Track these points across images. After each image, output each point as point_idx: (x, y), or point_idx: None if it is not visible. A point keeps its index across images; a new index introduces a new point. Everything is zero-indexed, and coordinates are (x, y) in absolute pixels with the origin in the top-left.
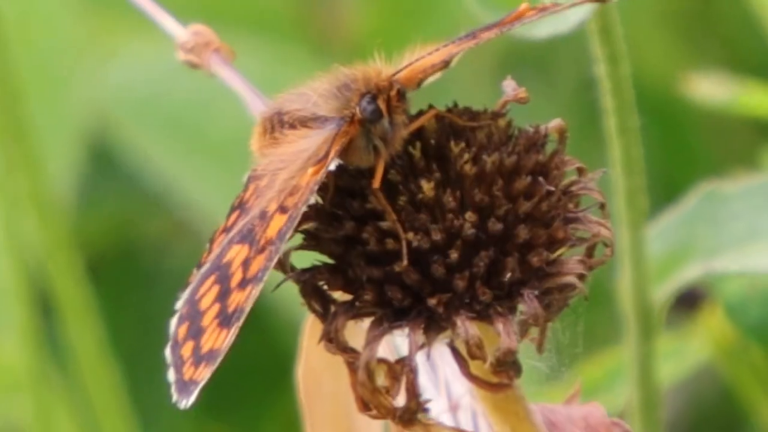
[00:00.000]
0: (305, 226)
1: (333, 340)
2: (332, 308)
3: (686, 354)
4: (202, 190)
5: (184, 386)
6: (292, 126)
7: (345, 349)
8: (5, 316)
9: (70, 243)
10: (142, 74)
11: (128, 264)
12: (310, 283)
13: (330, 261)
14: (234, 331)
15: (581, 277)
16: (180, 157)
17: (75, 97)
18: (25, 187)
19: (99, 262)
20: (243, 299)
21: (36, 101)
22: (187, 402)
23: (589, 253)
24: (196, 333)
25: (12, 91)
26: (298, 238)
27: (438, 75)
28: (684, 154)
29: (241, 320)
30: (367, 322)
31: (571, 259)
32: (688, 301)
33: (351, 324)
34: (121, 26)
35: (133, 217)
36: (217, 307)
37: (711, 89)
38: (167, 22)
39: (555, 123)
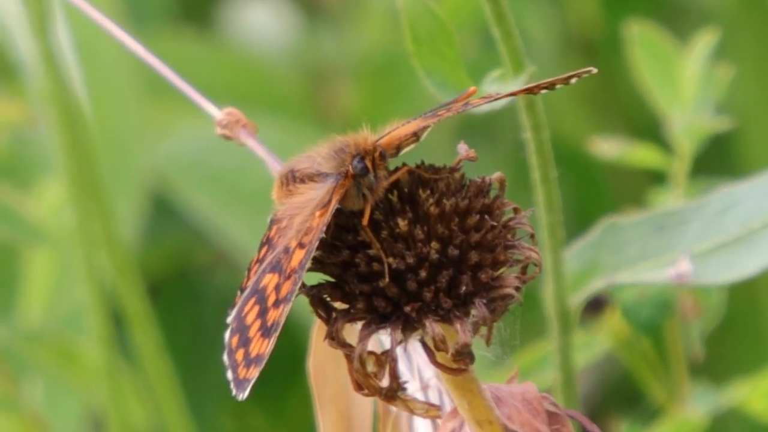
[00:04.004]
0: (314, 254)
1: (334, 338)
2: (333, 315)
3: (595, 345)
4: (236, 228)
5: (240, 383)
6: (302, 181)
7: (343, 345)
8: (87, 325)
9: (136, 270)
10: (191, 144)
11: (182, 285)
12: (317, 296)
13: (331, 279)
14: (273, 340)
15: (517, 289)
16: (220, 204)
17: (140, 161)
18: (101, 228)
19: (159, 284)
20: (278, 315)
21: (110, 165)
22: (243, 395)
23: (523, 271)
24: (245, 342)
25: (91, 157)
26: (309, 263)
27: (412, 146)
28: (592, 196)
29: (279, 331)
30: (359, 324)
31: (510, 275)
32: (595, 306)
33: (348, 326)
34: (174, 108)
35: (186, 250)
36: (259, 322)
37: (610, 147)
38: (207, 105)
39: (496, 175)
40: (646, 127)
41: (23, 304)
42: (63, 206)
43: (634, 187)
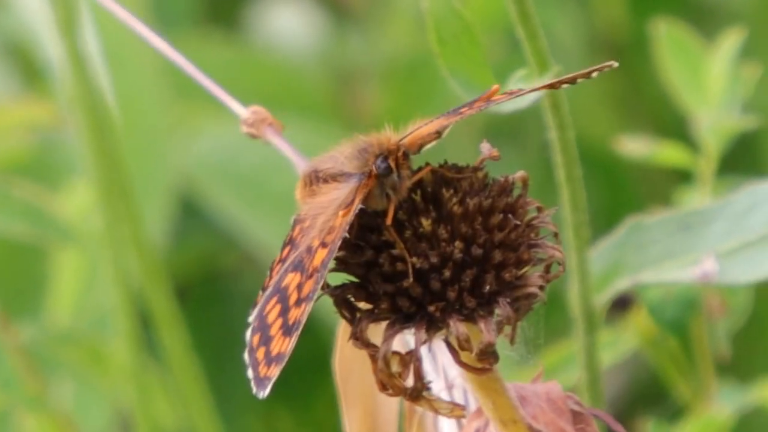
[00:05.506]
0: (337, 254)
1: (359, 338)
2: (357, 315)
3: (620, 344)
4: (263, 231)
5: (260, 382)
6: (326, 180)
7: (368, 345)
8: (115, 326)
9: (164, 272)
10: (217, 146)
11: (209, 287)
12: (341, 297)
13: (355, 280)
14: (295, 338)
15: (541, 287)
16: (247, 205)
17: (168, 163)
18: (129, 231)
19: (187, 286)
20: (299, 314)
21: (138, 167)
22: (263, 393)
23: (547, 270)
24: (266, 341)
25: (119, 159)
26: (332, 263)
27: (434, 143)
28: (618, 196)
29: (300, 330)
30: (383, 324)
31: (534, 274)
32: (621, 305)
33: (372, 326)
34: (201, 110)
35: (213, 252)
36: (280, 320)
37: (637, 146)
38: (233, 104)
39: (519, 174)
40: (673, 127)
41: (51, 305)
42: (91, 208)
43: (661, 186)
